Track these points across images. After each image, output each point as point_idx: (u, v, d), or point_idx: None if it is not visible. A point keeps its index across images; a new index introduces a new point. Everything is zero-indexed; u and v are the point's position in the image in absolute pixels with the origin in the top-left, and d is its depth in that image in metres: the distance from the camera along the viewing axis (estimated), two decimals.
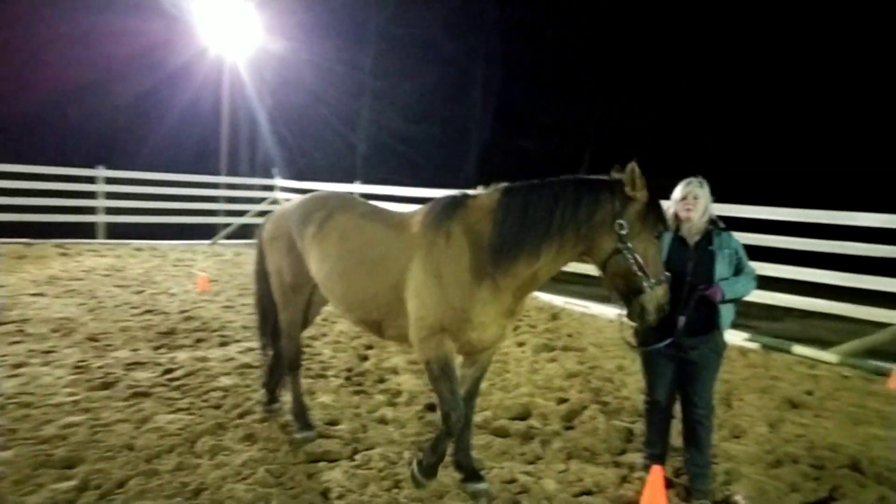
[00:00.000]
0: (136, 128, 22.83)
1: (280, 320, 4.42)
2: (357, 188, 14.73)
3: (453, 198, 3.55)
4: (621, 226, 3.12)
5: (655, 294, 3.14)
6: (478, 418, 4.75)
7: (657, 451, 3.93)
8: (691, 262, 3.59)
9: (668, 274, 3.25)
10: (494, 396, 5.27)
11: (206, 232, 15.87)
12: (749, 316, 10.32)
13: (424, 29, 25.88)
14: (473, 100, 30.09)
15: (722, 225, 3.72)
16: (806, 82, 25.36)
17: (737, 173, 24.73)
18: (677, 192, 3.71)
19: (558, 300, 9.48)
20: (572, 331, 7.79)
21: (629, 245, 3.12)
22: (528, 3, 27.94)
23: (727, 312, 3.63)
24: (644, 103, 27.36)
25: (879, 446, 4.57)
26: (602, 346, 7.13)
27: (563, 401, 5.26)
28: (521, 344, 7.11)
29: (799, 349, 7.22)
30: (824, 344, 7.66)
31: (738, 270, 3.64)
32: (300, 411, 4.34)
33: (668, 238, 3.72)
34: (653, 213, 3.18)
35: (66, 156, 16.52)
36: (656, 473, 3.41)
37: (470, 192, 3.59)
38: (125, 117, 22.84)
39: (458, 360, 3.62)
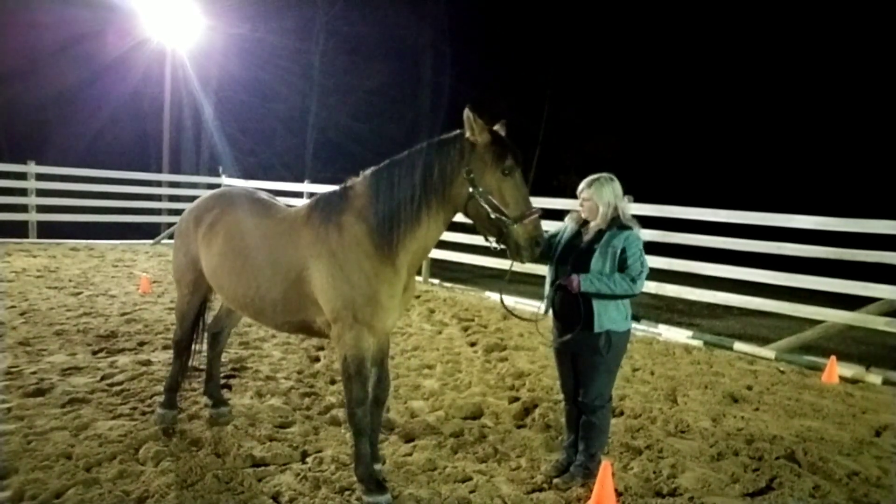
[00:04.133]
0: (69, 122, 21.86)
1: (176, 306, 4.51)
2: (306, 187, 14.51)
3: (333, 192, 3.65)
4: (469, 171, 3.23)
5: (519, 230, 3.22)
6: (431, 418, 4.76)
7: (566, 443, 4.01)
8: (573, 256, 3.72)
9: (537, 208, 3.31)
10: (447, 396, 5.28)
11: (148, 231, 15.33)
12: (692, 314, 10.71)
13: (375, 27, 25.70)
14: (424, 99, 30.08)
15: (630, 224, 3.67)
16: (747, 89, 26.44)
17: (681, 172, 25.64)
18: (578, 188, 3.82)
19: (509, 300, 9.56)
20: (523, 330, 7.87)
21: (480, 189, 3.22)
22: (478, 2, 28.15)
23: (603, 310, 3.58)
24: (592, 104, 27.98)
25: (814, 438, 4.79)
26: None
27: (514, 399, 5.31)
28: (472, 344, 7.15)
29: (739, 346, 7.52)
30: (762, 341, 8.02)
31: (622, 270, 3.58)
32: (169, 387, 4.40)
33: (570, 230, 3.86)
34: (492, 152, 3.23)
35: None
36: (605, 469, 3.47)
37: (347, 182, 3.64)
38: (57, 110, 21.83)
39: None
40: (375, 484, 3.46)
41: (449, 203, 3.35)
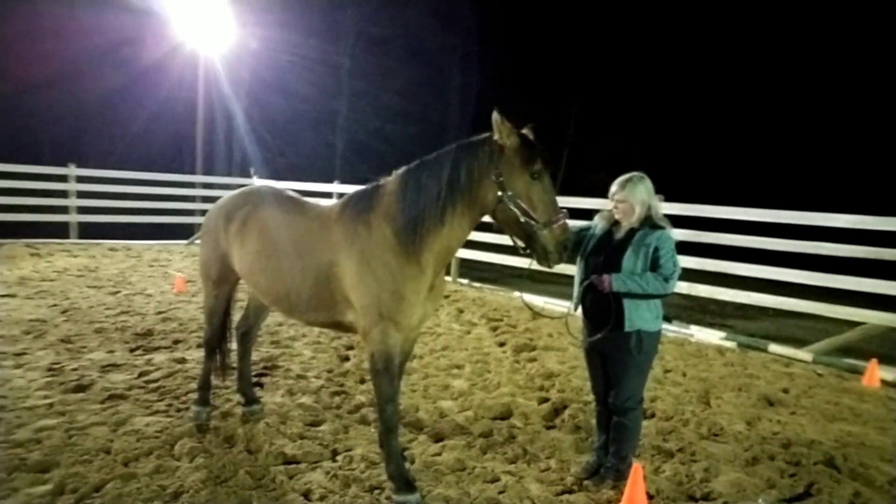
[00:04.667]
0: (108, 125, 22.46)
1: (204, 304, 4.56)
2: (336, 188, 14.64)
3: (364, 190, 3.70)
4: (499, 174, 3.22)
5: (547, 235, 3.22)
6: (460, 418, 4.76)
7: (597, 445, 3.98)
8: (604, 255, 3.67)
9: (564, 211, 3.27)
10: (476, 396, 5.28)
11: (183, 232, 15.64)
12: (725, 315, 10.52)
13: (402, 29, 25.83)
14: (452, 100, 30.11)
15: (662, 223, 3.63)
16: (782, 84, 25.83)
17: (713, 170, 25.18)
18: (610, 190, 3.76)
19: (539, 300, 9.52)
20: (553, 330, 7.83)
21: (509, 193, 3.22)
22: (504, 4, 28.05)
23: (634, 309, 3.55)
24: (620, 103, 27.65)
25: (854, 443, 4.67)
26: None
27: (544, 400, 5.28)
28: (501, 344, 7.13)
29: (774, 348, 7.35)
30: (799, 342, 7.82)
31: (654, 269, 3.54)
32: (202, 385, 4.49)
33: (600, 229, 3.81)
34: (521, 155, 3.22)
35: (33, 153, 16.17)
36: (636, 472, 3.43)
37: (380, 180, 3.69)
38: (96, 114, 22.44)
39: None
40: (405, 483, 3.48)
41: (476, 205, 3.36)
